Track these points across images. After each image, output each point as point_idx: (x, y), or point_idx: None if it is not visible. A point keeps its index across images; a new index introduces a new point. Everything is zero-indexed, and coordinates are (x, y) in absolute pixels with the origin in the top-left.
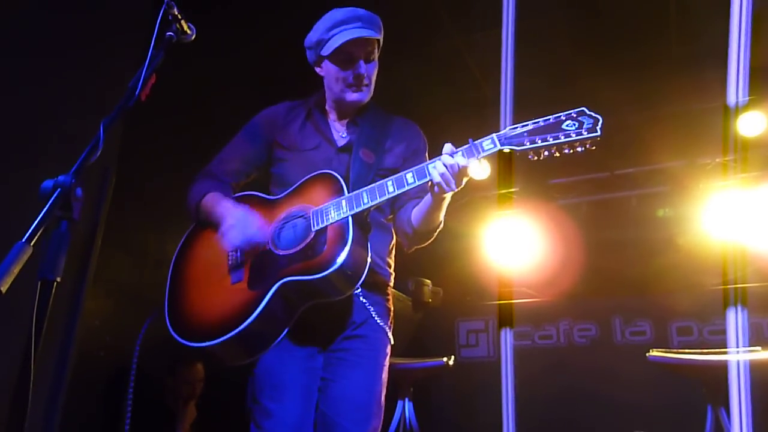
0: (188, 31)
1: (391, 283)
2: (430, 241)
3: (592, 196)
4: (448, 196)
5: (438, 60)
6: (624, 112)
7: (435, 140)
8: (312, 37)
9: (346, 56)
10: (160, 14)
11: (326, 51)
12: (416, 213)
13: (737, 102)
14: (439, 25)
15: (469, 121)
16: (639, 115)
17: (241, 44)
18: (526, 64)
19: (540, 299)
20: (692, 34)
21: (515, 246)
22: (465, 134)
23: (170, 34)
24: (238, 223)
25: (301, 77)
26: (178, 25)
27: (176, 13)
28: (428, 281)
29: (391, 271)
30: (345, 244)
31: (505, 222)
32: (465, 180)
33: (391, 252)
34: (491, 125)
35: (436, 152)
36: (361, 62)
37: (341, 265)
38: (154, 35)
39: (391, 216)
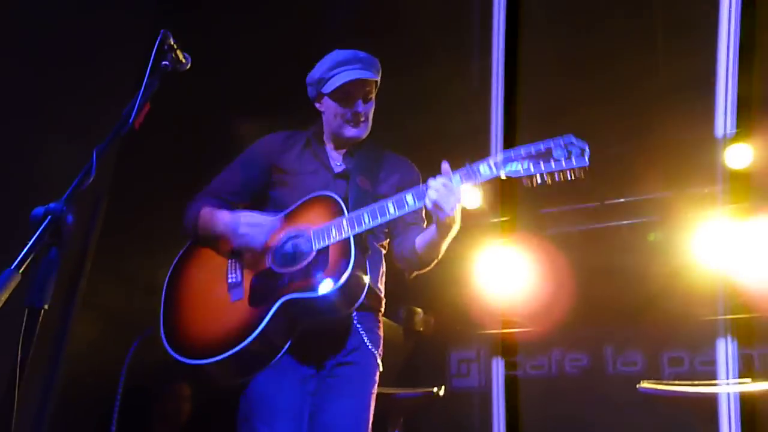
0: (183, 61)
1: (383, 309)
2: (428, 269)
3: (583, 226)
4: (454, 228)
5: (428, 87)
6: (613, 142)
7: (425, 167)
8: (314, 74)
9: (345, 95)
10: (156, 43)
11: (327, 89)
12: (421, 240)
13: (725, 133)
14: (430, 52)
15: (459, 148)
16: (628, 145)
17: (235, 72)
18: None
19: (532, 329)
20: (679, 64)
21: (507, 275)
22: (454, 161)
23: (165, 64)
24: (252, 226)
25: (295, 106)
26: (173, 55)
27: (172, 42)
28: (419, 309)
29: (382, 296)
30: (347, 264)
31: (496, 251)
32: (458, 204)
33: (382, 278)
34: (481, 152)
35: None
36: (360, 101)
37: (342, 285)
38: (150, 64)
39: (385, 242)
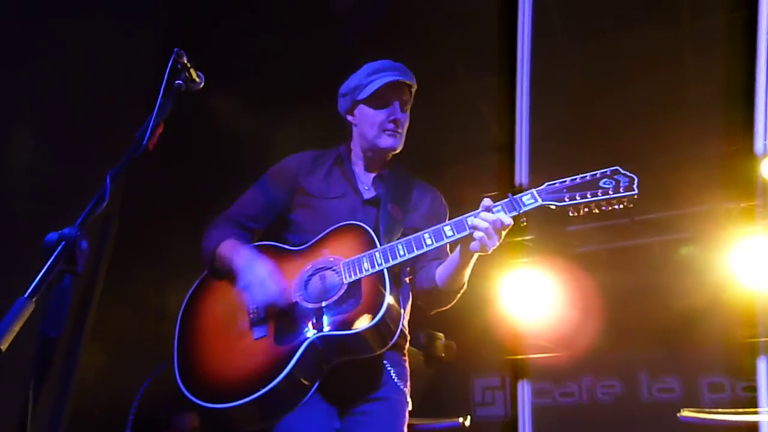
0: (197, 80)
1: (408, 344)
2: (451, 304)
3: (612, 244)
4: (476, 254)
5: (449, 106)
6: (643, 156)
7: (448, 187)
8: (350, 83)
9: (383, 99)
10: (170, 63)
11: (364, 95)
12: (442, 271)
13: (765, 145)
14: (451, 71)
15: (482, 167)
16: (658, 159)
17: (247, 96)
18: (541, 109)
19: (560, 353)
20: (710, 75)
21: (532, 297)
22: (477, 179)
23: (179, 83)
24: (258, 281)
25: (314, 127)
26: (187, 74)
27: (185, 61)
28: (441, 334)
29: (407, 332)
30: (383, 300)
31: (520, 272)
32: (504, 235)
33: (408, 313)
34: (504, 170)
35: (451, 203)
36: (398, 106)
37: (378, 322)
38: (163, 83)
39: (411, 276)
